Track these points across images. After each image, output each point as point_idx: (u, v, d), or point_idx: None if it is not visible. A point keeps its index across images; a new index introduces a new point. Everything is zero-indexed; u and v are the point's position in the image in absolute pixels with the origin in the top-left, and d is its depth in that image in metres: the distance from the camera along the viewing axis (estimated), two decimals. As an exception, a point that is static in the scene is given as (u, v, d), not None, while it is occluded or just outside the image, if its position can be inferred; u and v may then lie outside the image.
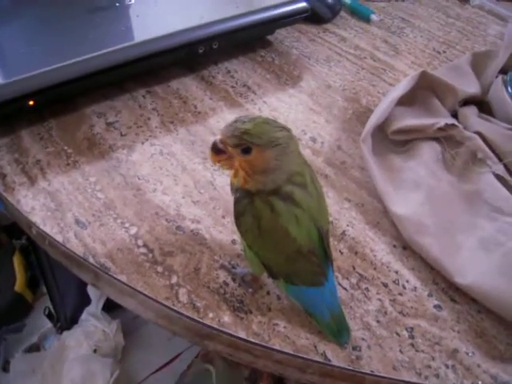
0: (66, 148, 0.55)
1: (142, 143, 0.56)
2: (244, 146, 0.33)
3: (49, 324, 0.75)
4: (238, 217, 0.36)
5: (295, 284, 0.38)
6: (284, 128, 0.34)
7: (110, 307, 0.73)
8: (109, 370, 0.63)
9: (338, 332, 0.39)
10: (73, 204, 0.49)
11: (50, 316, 0.76)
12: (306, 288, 0.38)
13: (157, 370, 0.69)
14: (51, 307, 0.75)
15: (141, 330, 0.73)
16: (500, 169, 0.50)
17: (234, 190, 0.36)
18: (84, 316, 0.70)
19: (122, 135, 0.57)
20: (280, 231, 0.35)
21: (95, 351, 0.66)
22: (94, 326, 0.68)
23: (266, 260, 0.38)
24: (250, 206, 0.35)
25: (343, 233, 0.47)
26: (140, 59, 0.58)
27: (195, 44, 0.62)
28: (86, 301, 0.73)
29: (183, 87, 0.64)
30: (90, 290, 0.71)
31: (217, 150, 0.35)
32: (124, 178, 0.52)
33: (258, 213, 0.35)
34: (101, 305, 0.70)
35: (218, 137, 0.34)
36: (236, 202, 0.36)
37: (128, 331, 0.72)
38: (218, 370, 0.59)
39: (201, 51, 0.63)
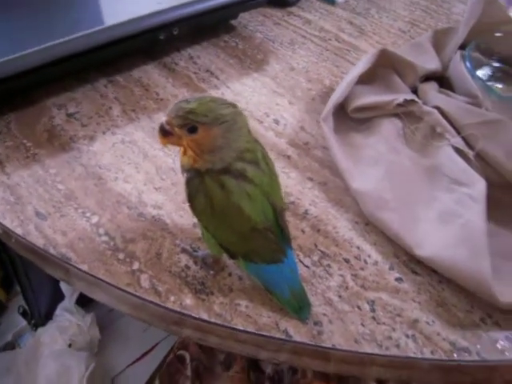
0: (25, 141, 0.54)
1: (104, 133, 0.55)
2: (189, 126, 0.33)
3: (23, 322, 0.75)
4: (191, 198, 0.36)
5: (254, 262, 0.38)
6: (231, 104, 0.34)
7: (85, 302, 0.72)
8: (84, 363, 0.63)
9: (298, 308, 0.39)
10: (33, 196, 0.48)
11: (24, 314, 0.75)
12: (264, 265, 0.38)
13: (133, 362, 0.68)
14: (25, 305, 0.74)
15: (117, 323, 0.73)
16: (458, 142, 0.50)
17: (185, 170, 0.36)
18: (58, 311, 0.70)
19: (82, 126, 0.56)
20: (233, 209, 0.35)
21: (70, 346, 0.66)
22: (68, 320, 0.67)
23: (222, 240, 0.38)
24: (201, 186, 0.35)
25: (305, 212, 0.48)
26: (98, 47, 0.57)
27: (155, 30, 0.61)
28: (59, 297, 0.72)
29: (145, 75, 0.64)
30: (63, 286, 0.70)
31: (164, 132, 0.34)
32: (85, 169, 0.51)
33: (210, 192, 0.35)
34: (74, 299, 0.69)
35: (164, 118, 0.34)
36: (187, 183, 0.36)
37: (104, 325, 0.72)
38: (193, 356, 0.59)
39: (161, 38, 0.62)
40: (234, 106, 0.34)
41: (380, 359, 0.39)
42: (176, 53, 0.68)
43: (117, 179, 0.50)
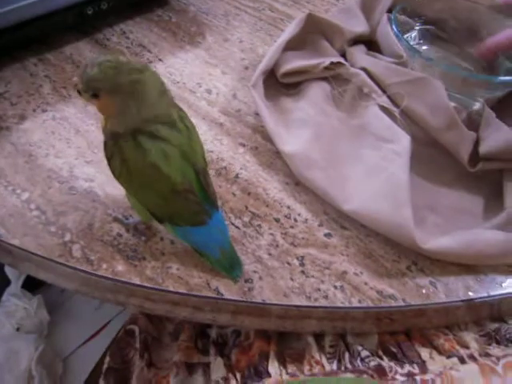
0: (-48, 122, 0.53)
1: (34, 110, 0.55)
2: (91, 92, 0.33)
3: (-29, 311, 0.73)
4: (108, 162, 0.36)
5: (179, 225, 0.38)
6: (136, 70, 0.34)
7: (32, 286, 0.72)
8: (33, 346, 0.63)
9: (229, 267, 0.40)
10: (-39, 176, 0.47)
11: (-29, 303, 0.74)
12: (191, 228, 0.38)
13: (85, 342, 0.68)
14: (-29, 294, 0.73)
15: (66, 305, 0.73)
16: (384, 101, 0.51)
17: (103, 133, 0.36)
18: (4, 297, 0.69)
19: (12, 104, 0.55)
20: (150, 169, 0.35)
21: (18, 330, 0.65)
22: (14, 305, 0.67)
23: (145, 203, 0.38)
24: (116, 149, 0.35)
25: (236, 176, 0.48)
26: (24, 23, 0.56)
27: (82, 5, 0.60)
28: (5, 282, 0.71)
29: (76, 52, 0.63)
30: (8, 271, 0.69)
31: (79, 92, 0.35)
32: (15, 147, 0.51)
33: (125, 154, 0.35)
34: (20, 283, 0.69)
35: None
36: (104, 147, 0.36)
37: (53, 307, 0.71)
38: (142, 329, 0.59)
39: (90, 12, 0.61)
40: (140, 72, 0.34)
41: (313, 311, 0.41)
42: (108, 28, 0.67)
43: (48, 155, 0.50)
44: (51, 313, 0.70)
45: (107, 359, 0.57)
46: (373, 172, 0.46)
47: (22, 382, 0.61)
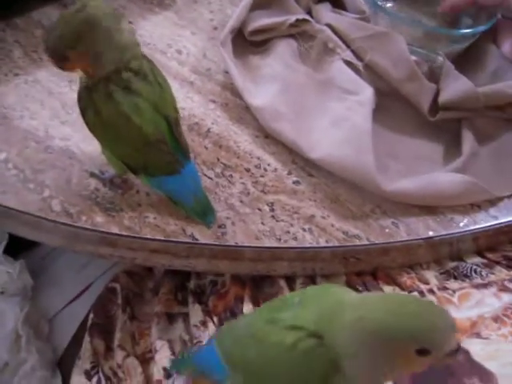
0: None
1: (6, 75, 0.55)
2: (60, 58, 0.35)
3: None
4: (83, 114, 0.38)
5: (153, 175, 0.40)
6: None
7: (13, 252, 0.73)
8: (18, 306, 0.64)
9: (203, 214, 0.42)
10: None
11: (-47, 271, 0.75)
12: (165, 177, 0.40)
13: (69, 303, 0.70)
14: (-47, 262, 0.74)
15: (50, 269, 0.74)
16: (348, 55, 0.54)
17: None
18: (-14, 263, 0.70)
19: (-17, 70, 0.56)
20: (122, 120, 0.36)
21: (2, 293, 0.67)
22: (-3, 269, 0.68)
23: (120, 155, 0.40)
24: (90, 101, 0.37)
25: (208, 130, 0.50)
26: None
27: (49, -31, 0.60)
28: (-14, 249, 0.72)
29: (45, 17, 0.63)
30: (-11, 237, 0.70)
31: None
32: (-11, 110, 0.51)
33: (98, 105, 0.36)
34: (1, 249, 0.70)
35: None
36: (78, 101, 0.37)
37: (37, 271, 0.73)
38: (123, 286, 0.61)
39: (57, -23, 0.61)
40: (111, 17, 0.35)
41: (283, 253, 0.43)
42: (76, -7, 0.67)
43: (22, 117, 0.51)
44: (34, 278, 0.71)
45: (91, 315, 0.59)
46: (338, 122, 0.48)
47: (10, 341, 0.62)
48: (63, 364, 0.67)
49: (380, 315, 0.30)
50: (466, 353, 0.34)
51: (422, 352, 0.28)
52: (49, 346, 0.66)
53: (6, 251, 0.73)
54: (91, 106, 0.37)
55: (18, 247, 0.75)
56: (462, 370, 0.28)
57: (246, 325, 0.35)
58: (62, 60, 0.35)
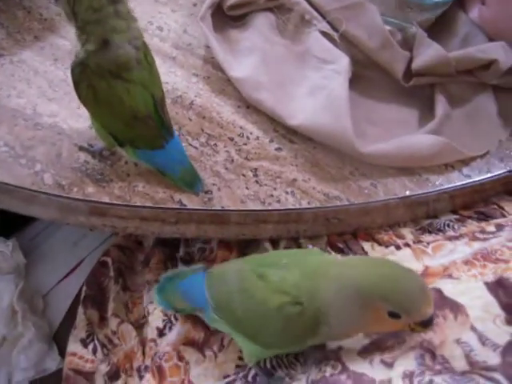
0: None
1: (-10, 56, 0.56)
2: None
3: None
4: (76, 86, 0.40)
5: (140, 148, 0.42)
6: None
7: (5, 232, 0.74)
8: (13, 283, 0.66)
9: (190, 183, 0.45)
10: None
11: None
12: (150, 151, 0.42)
13: (63, 279, 0.72)
14: None
15: (42, 247, 0.76)
16: (324, 26, 0.55)
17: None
18: (-21, 243, 0.72)
19: (-33, 52, 0.57)
20: (113, 98, 0.39)
21: (-3, 272, 0.68)
22: (-11, 249, 0.70)
23: (109, 127, 0.42)
24: (85, 75, 0.38)
25: (191, 103, 0.52)
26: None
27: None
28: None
29: (26, -2, 0.64)
30: (-20, 218, 0.72)
31: None
32: (-24, 91, 0.53)
33: (91, 81, 0.38)
34: (-6, 230, 0.71)
35: None
36: (72, 71, 0.39)
37: (29, 250, 0.74)
38: (114, 259, 0.63)
39: (36, -42, 0.62)
40: None
41: (268, 216, 0.45)
42: (56, -26, 0.68)
43: (10, 96, 0.52)
44: (26, 256, 0.73)
45: (84, 288, 0.61)
46: (315, 90, 0.50)
47: (6, 317, 0.64)
48: (59, 337, 0.69)
49: (358, 273, 0.33)
50: (438, 291, 0.37)
51: (393, 315, 0.31)
52: (44, 321, 0.68)
53: (-3, 232, 0.74)
54: (85, 80, 0.38)
55: (8, 228, 0.76)
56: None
57: (236, 276, 0.38)
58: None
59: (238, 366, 0.44)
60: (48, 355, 0.65)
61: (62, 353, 0.68)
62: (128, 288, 0.61)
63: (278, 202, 0.45)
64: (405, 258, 0.44)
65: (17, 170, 0.46)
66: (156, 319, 0.49)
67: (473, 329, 0.34)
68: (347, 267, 0.35)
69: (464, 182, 0.50)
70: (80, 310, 0.59)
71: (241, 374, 0.42)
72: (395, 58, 0.54)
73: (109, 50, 0.38)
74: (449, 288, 0.37)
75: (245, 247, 0.51)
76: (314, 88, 0.51)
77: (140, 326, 0.54)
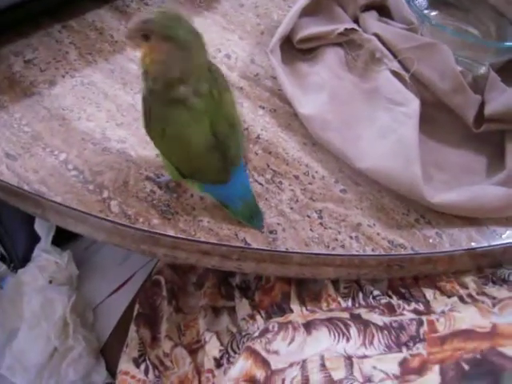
0: (-14, 89, 0.56)
1: (63, 76, 0.58)
2: (143, 33, 0.36)
3: (3, 266, 0.78)
4: (146, 125, 0.40)
5: (203, 182, 0.42)
6: (192, 31, 0.37)
7: (60, 242, 0.76)
8: (66, 295, 0.68)
9: (251, 217, 0.44)
10: (1, 140, 0.51)
11: (2, 259, 0.78)
12: (213, 185, 0.43)
13: (112, 293, 0.73)
14: (3, 250, 0.78)
15: (93, 259, 0.77)
16: (395, 65, 0.55)
17: (142, 80, 0.40)
18: (36, 252, 0.74)
19: (41, 71, 0.58)
20: (176, 131, 0.39)
21: (51, 282, 0.70)
22: (46, 259, 0.71)
23: (175, 163, 0.42)
24: (149, 107, 0.39)
25: (258, 136, 0.52)
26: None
27: (104, -27, 0.62)
28: (35, 239, 0.76)
29: (98, 19, 0.65)
30: (38, 228, 0.74)
31: (128, 37, 0.38)
32: (48, 111, 0.54)
33: (156, 113, 0.39)
34: (50, 239, 0.73)
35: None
36: (143, 104, 0.40)
37: (81, 262, 0.76)
38: (167, 279, 0.64)
39: (111, -20, 0.63)
40: (196, 34, 0.38)
41: (330, 259, 0.45)
42: (127, -5, 0.69)
43: (80, 119, 0.53)
44: (79, 267, 0.75)
45: (137, 306, 0.62)
46: (385, 133, 0.50)
47: (58, 328, 0.66)
48: (106, 352, 0.70)
49: None
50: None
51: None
52: (93, 335, 0.69)
53: (52, 241, 0.76)
54: (150, 111, 0.39)
55: (62, 237, 0.78)
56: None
57: None
58: (143, 36, 0.37)
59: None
60: (95, 369, 0.66)
61: (109, 368, 0.70)
62: (181, 309, 0.61)
63: (342, 246, 0.45)
64: (470, 315, 0.43)
65: (85, 195, 0.47)
66: (213, 348, 0.49)
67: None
68: None
69: (532, 236, 0.48)
70: (132, 328, 0.60)
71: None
72: (467, 103, 0.52)
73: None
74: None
75: (303, 281, 0.50)
76: (384, 130, 0.50)
77: (193, 350, 0.54)
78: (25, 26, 0.62)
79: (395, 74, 0.54)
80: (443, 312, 0.43)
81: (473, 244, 0.47)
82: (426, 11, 0.62)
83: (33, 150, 0.50)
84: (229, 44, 0.62)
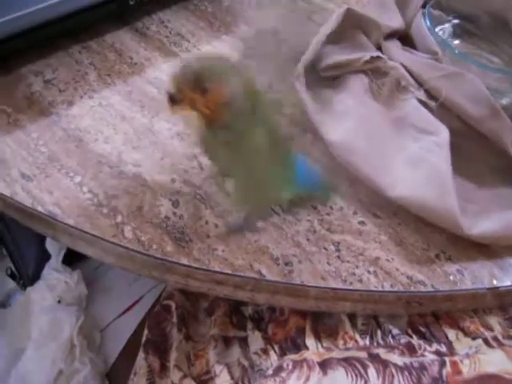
0: (5, 108, 0.56)
1: (81, 97, 0.58)
2: (201, 87, 0.36)
3: (12, 284, 0.78)
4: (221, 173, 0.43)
5: None
6: (221, 58, 0.38)
7: (70, 261, 0.75)
8: (74, 316, 0.67)
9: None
10: (17, 160, 0.51)
11: (12, 276, 0.78)
12: None
13: (120, 315, 0.72)
14: (13, 267, 0.77)
15: (102, 280, 0.77)
16: (421, 94, 0.54)
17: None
18: (46, 271, 0.73)
19: (60, 91, 0.58)
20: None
21: (59, 302, 0.69)
22: (56, 278, 0.71)
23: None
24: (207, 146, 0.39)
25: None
26: (71, 14, 0.59)
27: (125, -4, 0.62)
28: (45, 257, 0.75)
29: (118, 40, 0.66)
30: (49, 246, 0.73)
31: (174, 100, 0.37)
32: (65, 132, 0.54)
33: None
34: (60, 258, 0.72)
35: (171, 87, 0.37)
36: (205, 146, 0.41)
37: (90, 281, 0.75)
38: (178, 304, 0.62)
39: (132, 3, 0.64)
40: (225, 59, 0.38)
41: (348, 294, 0.44)
42: (147, 17, 0.69)
43: (96, 140, 0.53)
44: (88, 287, 0.74)
45: (146, 332, 0.61)
46: (416, 162, 0.48)
47: (65, 350, 0.65)
48: (112, 376, 0.69)
49: None
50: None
51: None
52: (100, 358, 0.68)
53: (63, 260, 0.76)
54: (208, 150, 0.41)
55: (72, 256, 0.78)
56: None
57: None
58: (199, 92, 0.36)
59: None
60: (101, 395, 0.64)
61: (115, 393, 0.68)
62: (190, 337, 0.59)
63: (360, 281, 0.43)
64: (497, 358, 0.41)
65: (99, 219, 0.46)
66: (224, 382, 0.48)
67: None
68: None
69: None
70: (141, 354, 0.58)
71: None
72: (503, 128, 0.51)
73: None
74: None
75: (319, 315, 0.49)
76: (414, 159, 0.49)
77: (202, 382, 0.52)
78: (45, 46, 0.62)
79: (422, 102, 0.53)
80: (467, 354, 0.41)
81: (495, 282, 0.45)
82: (449, 40, 0.61)
83: (48, 171, 0.50)
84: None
